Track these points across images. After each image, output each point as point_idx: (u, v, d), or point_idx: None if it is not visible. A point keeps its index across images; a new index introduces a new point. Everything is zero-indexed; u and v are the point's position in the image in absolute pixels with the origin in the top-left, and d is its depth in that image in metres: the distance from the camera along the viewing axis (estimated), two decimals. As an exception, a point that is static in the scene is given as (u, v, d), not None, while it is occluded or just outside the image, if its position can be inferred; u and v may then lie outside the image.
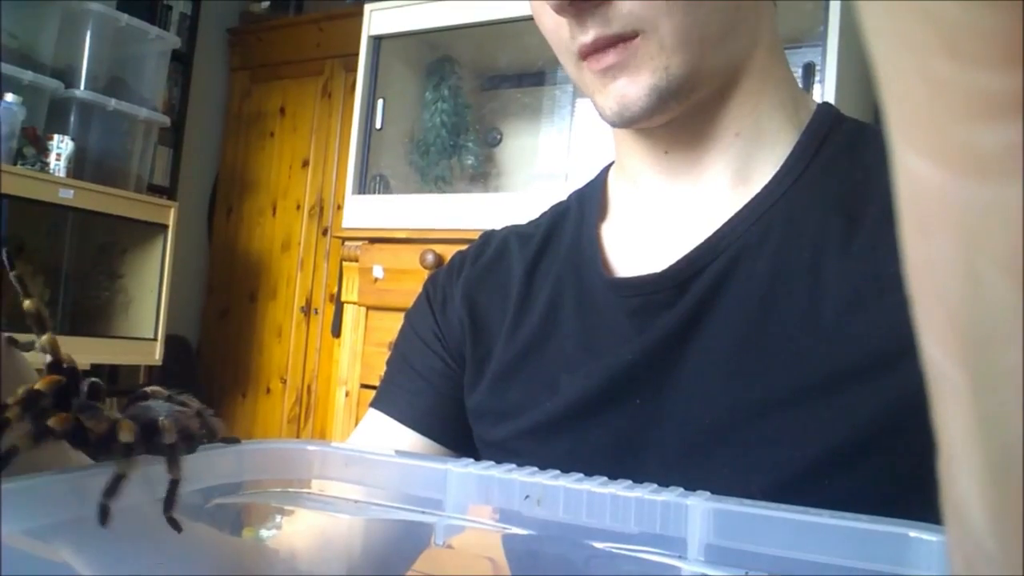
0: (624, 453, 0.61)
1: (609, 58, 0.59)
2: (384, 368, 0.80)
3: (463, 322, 0.73)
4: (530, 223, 0.78)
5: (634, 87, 0.59)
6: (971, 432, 0.18)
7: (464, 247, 0.81)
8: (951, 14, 0.14)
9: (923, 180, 0.16)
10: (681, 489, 0.39)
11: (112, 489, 0.37)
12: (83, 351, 2.84)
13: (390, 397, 0.76)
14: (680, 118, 0.63)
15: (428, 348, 0.76)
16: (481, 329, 0.73)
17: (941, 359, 0.18)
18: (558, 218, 0.75)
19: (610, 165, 0.76)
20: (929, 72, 0.15)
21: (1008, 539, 0.18)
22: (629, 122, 0.61)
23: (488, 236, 0.80)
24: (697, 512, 0.37)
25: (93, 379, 0.43)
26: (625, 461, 0.61)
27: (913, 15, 0.15)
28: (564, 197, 0.78)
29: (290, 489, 0.48)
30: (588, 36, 0.58)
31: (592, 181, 0.77)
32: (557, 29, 0.62)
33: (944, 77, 0.15)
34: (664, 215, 0.67)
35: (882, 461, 0.53)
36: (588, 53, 0.60)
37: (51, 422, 0.38)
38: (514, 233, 0.77)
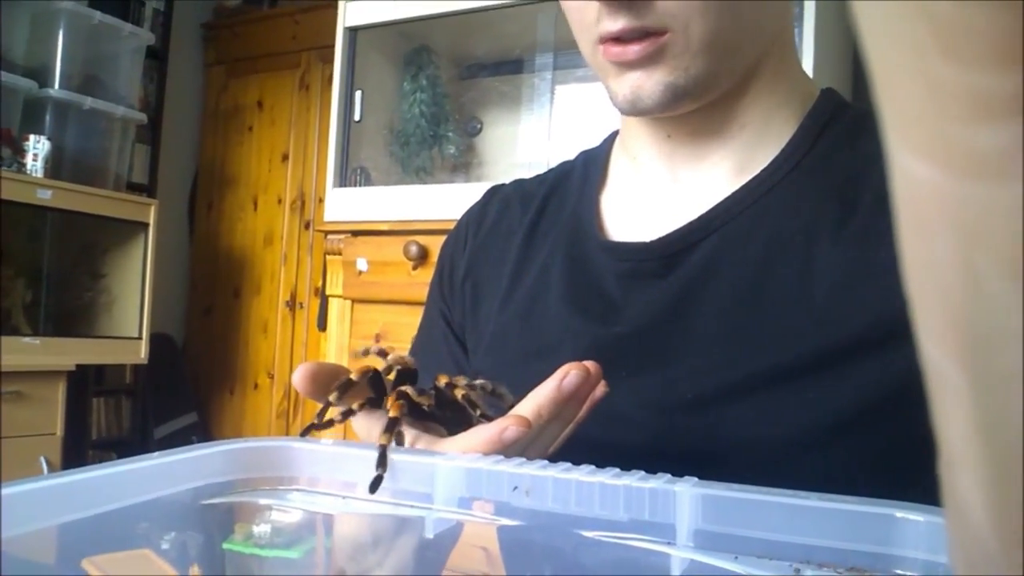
0: (607, 426, 0.62)
1: (631, 53, 0.58)
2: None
3: (465, 295, 0.76)
4: (536, 178, 0.80)
5: (650, 81, 0.59)
6: (972, 432, 0.18)
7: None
8: (948, 14, 0.14)
9: (920, 181, 0.16)
10: (669, 476, 0.39)
11: (381, 460, 0.44)
12: (67, 352, 2.83)
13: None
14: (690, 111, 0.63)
15: (441, 321, 0.79)
16: (481, 298, 0.75)
17: (941, 359, 0.18)
18: (562, 178, 0.77)
19: (617, 132, 0.77)
20: (926, 72, 0.15)
21: (1010, 539, 0.18)
22: (640, 113, 0.62)
23: (492, 194, 0.81)
24: (685, 498, 0.37)
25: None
26: (608, 434, 0.61)
27: (910, 15, 0.15)
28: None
29: (279, 487, 0.48)
30: (617, 25, 0.58)
31: (600, 145, 0.77)
32: (582, 8, 0.62)
33: (941, 77, 0.15)
34: (661, 193, 0.68)
35: (858, 442, 0.55)
36: (612, 42, 0.59)
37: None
38: (518, 192, 0.79)
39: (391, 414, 0.46)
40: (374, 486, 0.43)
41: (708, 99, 0.61)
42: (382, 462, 0.43)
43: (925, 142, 0.16)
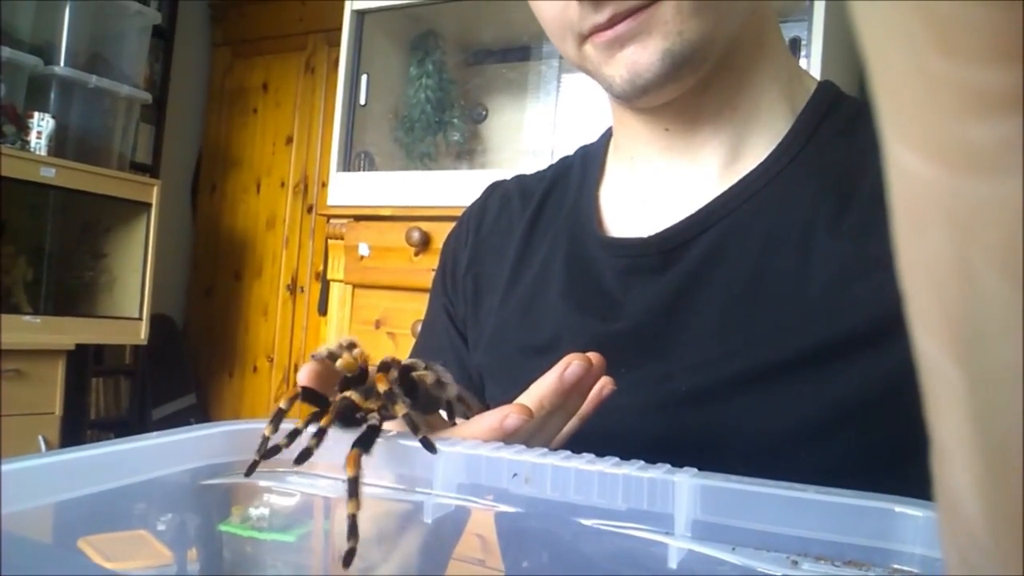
0: (606, 420, 0.62)
1: (623, 27, 0.57)
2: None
3: (467, 290, 0.76)
4: (536, 174, 0.80)
5: (645, 53, 0.58)
6: (966, 427, 0.18)
7: (451, 223, 0.84)
8: (945, 9, 0.14)
9: (916, 176, 0.16)
10: (668, 466, 0.39)
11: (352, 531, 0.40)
12: (68, 331, 2.83)
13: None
14: (684, 93, 0.62)
15: (444, 315, 0.79)
16: (483, 294, 0.75)
17: (935, 354, 0.18)
18: (562, 173, 0.77)
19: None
20: (923, 68, 0.15)
21: (1003, 533, 0.18)
22: (642, 91, 0.60)
23: (492, 190, 0.81)
24: (684, 489, 0.37)
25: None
26: (607, 428, 0.61)
27: (906, 10, 0.15)
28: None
29: (278, 469, 0.48)
30: (603, 15, 0.57)
31: (598, 140, 0.77)
32: (562, 12, 0.60)
33: (938, 73, 0.15)
34: (658, 189, 0.67)
35: (855, 436, 0.55)
36: (601, 31, 0.58)
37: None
38: (518, 188, 0.79)
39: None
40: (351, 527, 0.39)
41: (706, 67, 0.60)
42: (353, 532, 0.39)
43: (921, 137, 0.16)
